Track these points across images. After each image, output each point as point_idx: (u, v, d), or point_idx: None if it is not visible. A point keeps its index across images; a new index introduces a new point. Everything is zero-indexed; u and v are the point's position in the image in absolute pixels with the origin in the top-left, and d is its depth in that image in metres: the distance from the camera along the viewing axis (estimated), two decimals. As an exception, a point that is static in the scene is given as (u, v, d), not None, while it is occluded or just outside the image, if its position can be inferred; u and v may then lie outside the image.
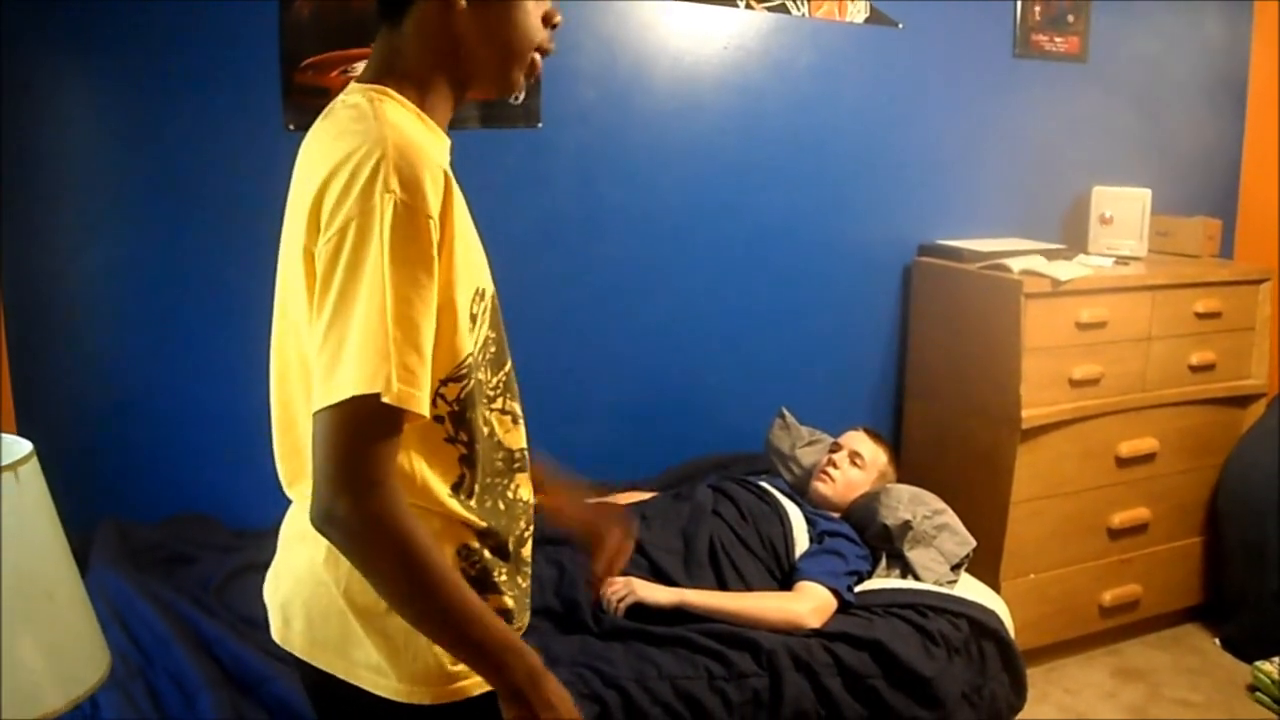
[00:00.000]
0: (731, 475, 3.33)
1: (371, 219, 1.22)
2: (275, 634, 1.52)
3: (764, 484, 3.18)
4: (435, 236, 1.28)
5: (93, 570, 2.59)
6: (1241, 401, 3.91)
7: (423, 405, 1.26)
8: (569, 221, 3.38)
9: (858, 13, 3.64)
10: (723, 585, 2.83)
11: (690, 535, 2.93)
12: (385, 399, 1.21)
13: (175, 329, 2.99)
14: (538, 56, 1.48)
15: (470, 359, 1.39)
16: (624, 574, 2.77)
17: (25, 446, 1.66)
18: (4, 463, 1.58)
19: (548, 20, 1.48)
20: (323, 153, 1.32)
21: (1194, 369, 3.75)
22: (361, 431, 1.23)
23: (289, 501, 1.58)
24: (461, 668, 1.41)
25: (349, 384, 1.21)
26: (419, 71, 1.42)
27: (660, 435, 3.57)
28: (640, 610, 2.70)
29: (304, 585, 1.46)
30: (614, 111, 3.39)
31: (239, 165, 2.94)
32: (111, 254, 2.93)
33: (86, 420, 2.95)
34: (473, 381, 1.40)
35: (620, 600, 2.70)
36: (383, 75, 1.41)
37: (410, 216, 1.24)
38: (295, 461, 1.48)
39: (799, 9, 3.55)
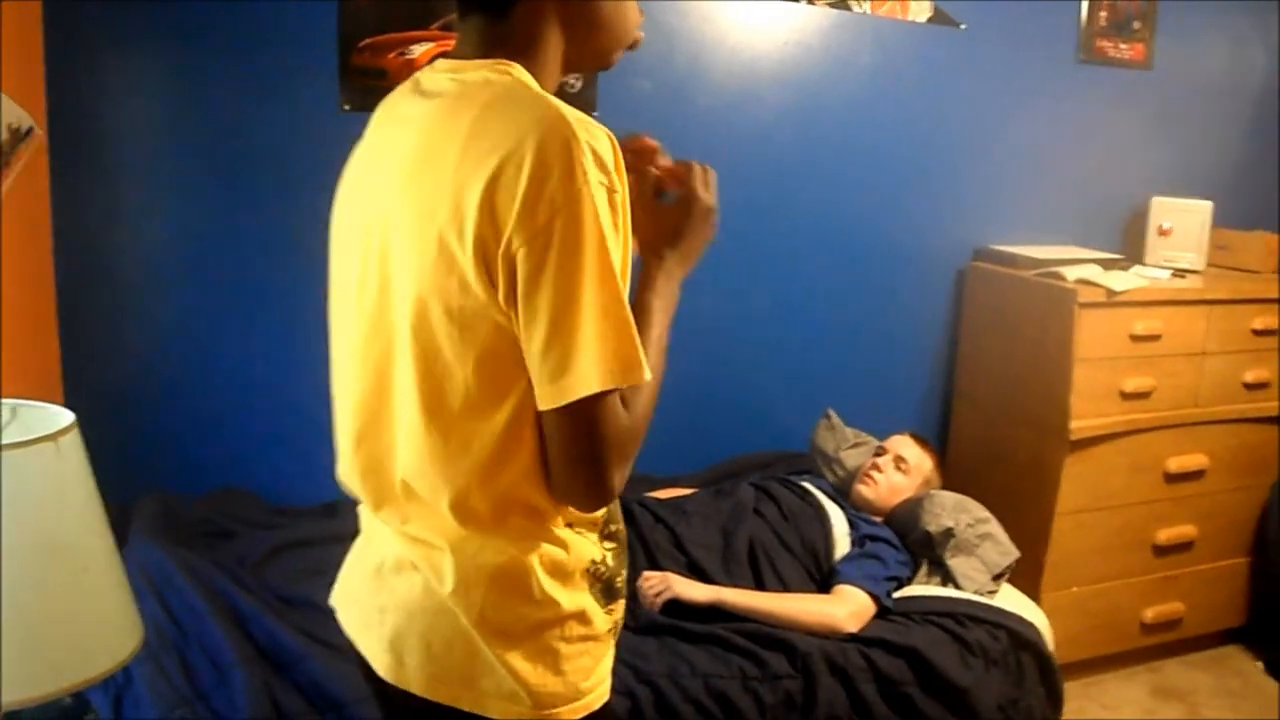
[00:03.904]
0: (774, 475, 3.31)
1: (580, 208, 1.17)
2: (384, 672, 1.42)
3: (807, 484, 3.16)
4: (620, 206, 1.25)
5: (131, 542, 2.60)
6: (1295, 421, 3.84)
7: None
8: (620, 212, 3.36)
9: (920, 12, 3.60)
10: (760, 585, 2.82)
11: (730, 533, 2.91)
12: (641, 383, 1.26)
13: (225, 306, 3.01)
14: (639, 32, 1.45)
15: None
16: (661, 570, 2.77)
17: (67, 417, 1.66)
18: (45, 433, 1.58)
19: None
20: (474, 133, 1.23)
21: (1248, 386, 3.68)
22: (606, 418, 1.24)
23: (333, 479, 1.50)
24: (590, 683, 1.41)
25: (595, 379, 1.20)
26: (527, 54, 1.34)
27: (704, 432, 3.55)
28: (676, 607, 2.69)
29: (419, 617, 1.38)
30: (670, 104, 3.36)
31: (294, 144, 2.96)
32: (164, 230, 2.95)
33: (134, 393, 2.97)
34: None
35: (657, 595, 2.69)
36: (489, 56, 1.34)
37: (609, 198, 1.22)
38: (380, 479, 1.42)
39: (861, 5, 3.51)
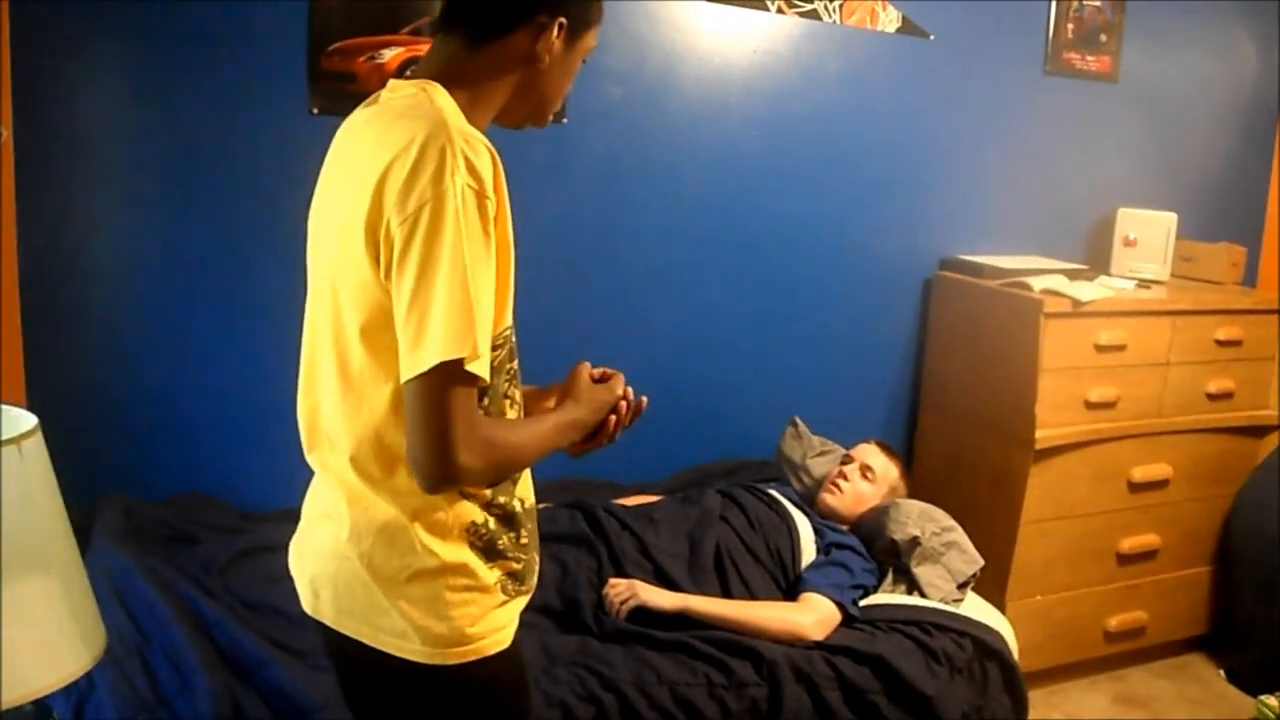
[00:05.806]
0: (741, 482, 3.30)
1: (444, 203, 1.35)
2: (305, 605, 1.67)
3: (773, 492, 3.16)
4: (492, 214, 1.41)
5: (94, 547, 2.58)
6: (1257, 432, 3.87)
7: (487, 372, 1.41)
8: (590, 219, 3.36)
9: (889, 22, 3.62)
10: (727, 592, 2.81)
11: (696, 540, 2.91)
12: (468, 366, 1.36)
13: (192, 309, 2.98)
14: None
15: (509, 330, 1.56)
16: (628, 577, 2.76)
17: (30, 420, 1.65)
18: (8, 436, 1.57)
19: None
20: (381, 136, 1.45)
21: (1211, 397, 3.72)
22: (453, 394, 1.38)
23: (300, 485, 1.71)
24: (478, 629, 1.56)
25: (436, 351, 1.34)
26: (476, 90, 1.56)
27: (671, 438, 3.54)
28: (643, 614, 2.68)
29: (329, 561, 1.60)
30: (640, 110, 3.37)
31: (262, 148, 2.94)
32: (130, 232, 2.93)
33: (99, 396, 2.94)
34: (503, 353, 1.54)
35: (623, 602, 2.69)
36: (439, 79, 1.53)
37: (476, 199, 1.38)
38: (314, 426, 1.63)
39: (830, 15, 3.53)
